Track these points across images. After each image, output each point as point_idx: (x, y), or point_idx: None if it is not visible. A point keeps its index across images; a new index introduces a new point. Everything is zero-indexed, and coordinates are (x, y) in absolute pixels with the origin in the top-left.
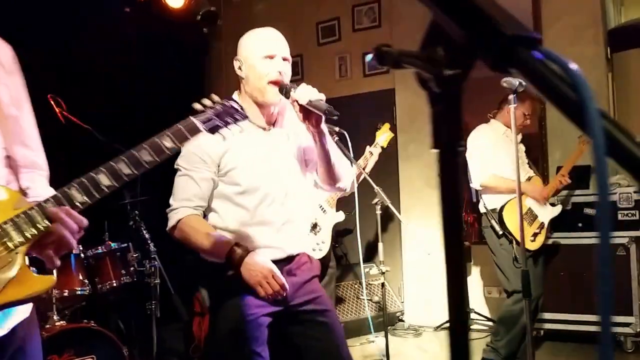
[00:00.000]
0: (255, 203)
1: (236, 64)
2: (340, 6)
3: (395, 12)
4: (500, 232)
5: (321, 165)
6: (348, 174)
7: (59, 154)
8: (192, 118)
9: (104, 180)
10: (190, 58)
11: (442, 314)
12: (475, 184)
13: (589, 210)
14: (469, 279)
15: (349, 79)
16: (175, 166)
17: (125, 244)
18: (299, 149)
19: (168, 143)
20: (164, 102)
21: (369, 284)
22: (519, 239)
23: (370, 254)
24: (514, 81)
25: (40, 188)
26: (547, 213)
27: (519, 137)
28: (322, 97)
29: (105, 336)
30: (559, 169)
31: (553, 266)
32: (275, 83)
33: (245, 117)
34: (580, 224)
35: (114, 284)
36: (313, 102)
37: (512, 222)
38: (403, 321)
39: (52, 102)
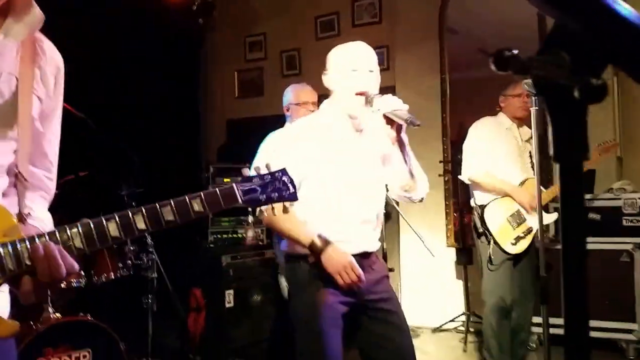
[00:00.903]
0: (342, 198)
1: (324, 77)
2: (340, 1)
3: (396, 9)
4: (480, 230)
5: (401, 174)
6: (424, 186)
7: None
8: (234, 185)
9: (113, 230)
10: (185, 48)
11: (440, 316)
12: (464, 177)
13: (593, 216)
14: (470, 282)
15: None
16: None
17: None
18: (382, 155)
19: (197, 206)
20: (158, 92)
21: None
22: (498, 240)
23: None
24: None
25: (40, 211)
26: (532, 217)
27: (528, 133)
28: (405, 107)
29: (102, 330)
30: None
31: (557, 272)
32: (360, 94)
33: (295, 198)
34: None
35: (111, 277)
36: (395, 111)
37: (494, 222)
38: None
39: None
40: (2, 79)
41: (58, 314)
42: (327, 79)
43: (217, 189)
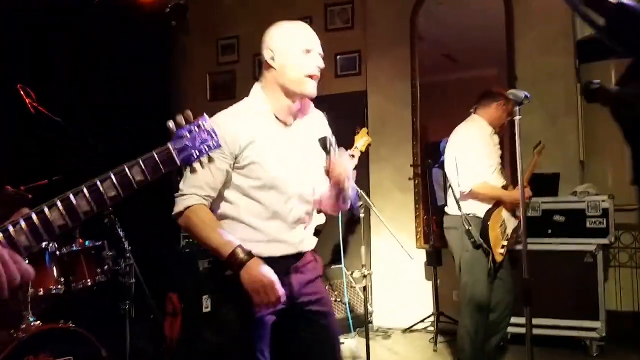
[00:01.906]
0: (272, 199)
1: (267, 54)
2: (312, 5)
3: (368, 14)
4: (479, 243)
5: (330, 199)
6: (352, 200)
7: (29, 144)
8: (169, 146)
9: (58, 219)
10: (158, 51)
11: (411, 316)
12: (464, 188)
13: (558, 218)
14: (439, 283)
15: (320, 79)
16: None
17: (100, 242)
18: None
19: (139, 176)
20: (130, 94)
21: (334, 284)
22: (495, 250)
23: (338, 256)
24: (519, 93)
25: None
26: (511, 224)
27: (497, 140)
28: (351, 168)
29: (83, 337)
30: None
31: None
32: (311, 77)
33: (220, 145)
34: (550, 231)
35: (89, 283)
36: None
37: (492, 235)
38: (372, 323)
39: (22, 92)
40: None
41: (39, 322)
42: (271, 56)
43: (155, 154)
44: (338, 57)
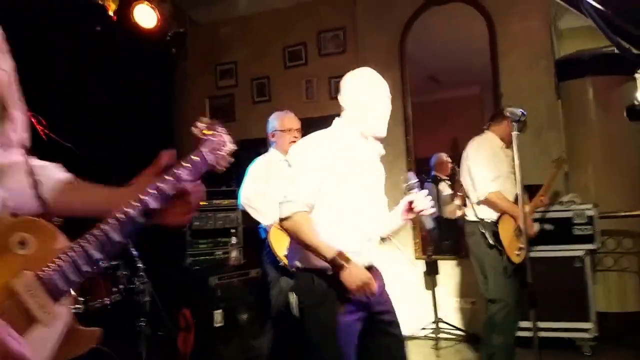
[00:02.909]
0: (357, 212)
1: (357, 97)
2: (306, 32)
3: (359, 40)
4: (492, 244)
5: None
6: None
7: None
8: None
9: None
10: (158, 76)
11: (411, 324)
12: (480, 194)
13: (547, 226)
14: (437, 290)
15: (315, 102)
16: (294, 158)
17: (116, 262)
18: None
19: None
20: (132, 118)
21: None
22: (509, 252)
23: None
24: (516, 111)
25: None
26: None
27: (511, 154)
28: (432, 211)
29: (103, 354)
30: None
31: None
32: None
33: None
34: (540, 239)
35: (106, 302)
36: (422, 212)
37: (505, 236)
38: None
39: (34, 120)
40: None
41: None
42: (356, 99)
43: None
44: (332, 80)
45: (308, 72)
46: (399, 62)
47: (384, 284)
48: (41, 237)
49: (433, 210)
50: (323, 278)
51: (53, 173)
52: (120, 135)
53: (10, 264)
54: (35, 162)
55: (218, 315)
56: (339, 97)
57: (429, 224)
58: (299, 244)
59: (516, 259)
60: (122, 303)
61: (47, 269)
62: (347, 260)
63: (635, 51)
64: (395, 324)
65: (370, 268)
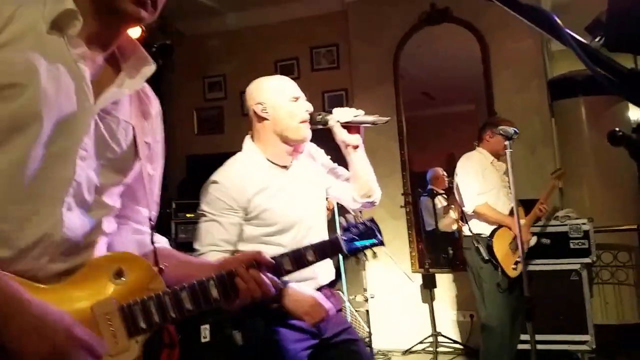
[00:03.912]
0: (289, 240)
1: (258, 107)
2: (298, 47)
3: (353, 55)
4: (486, 258)
5: (360, 179)
6: (376, 185)
7: None
8: (339, 237)
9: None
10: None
11: (409, 338)
12: (468, 208)
13: (544, 240)
14: (435, 304)
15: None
16: (199, 211)
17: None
18: (319, 181)
19: (310, 257)
20: None
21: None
22: (504, 266)
23: (336, 281)
24: (509, 129)
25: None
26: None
27: (503, 167)
28: (361, 112)
29: None
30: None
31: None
32: (304, 122)
33: (383, 244)
34: (537, 252)
35: None
36: (358, 117)
37: (500, 250)
38: (371, 346)
39: None
40: (120, 127)
41: None
42: (261, 109)
43: (324, 240)
44: (325, 94)
45: (300, 86)
46: (392, 78)
47: (338, 306)
48: (138, 274)
49: (359, 111)
50: (262, 319)
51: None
52: None
53: (102, 290)
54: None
55: (205, 331)
56: (248, 109)
57: (370, 117)
58: None
59: (512, 273)
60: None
61: (133, 303)
62: (284, 288)
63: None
64: (353, 340)
65: (321, 289)
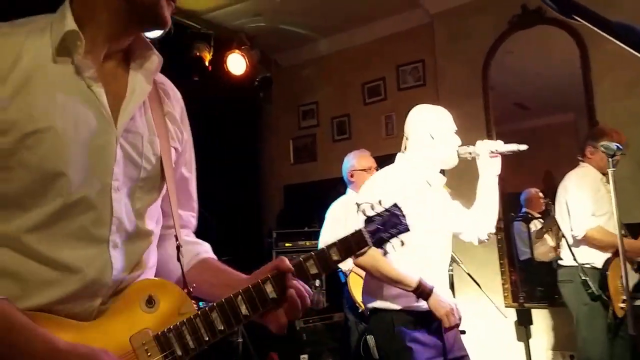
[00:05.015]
0: (434, 256)
1: (428, 132)
2: (385, 67)
3: (439, 70)
4: (597, 294)
5: (490, 210)
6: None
7: None
8: (362, 230)
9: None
10: (246, 121)
11: None
12: (578, 232)
13: None
14: (532, 342)
15: (396, 137)
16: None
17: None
18: (449, 206)
19: (335, 255)
20: (221, 161)
21: None
22: (616, 304)
23: None
24: (611, 145)
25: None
26: (633, 275)
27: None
28: (500, 142)
29: None
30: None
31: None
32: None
33: (408, 229)
34: None
35: None
36: (501, 147)
37: (613, 284)
38: None
39: None
40: (145, 145)
41: None
42: (430, 134)
43: (346, 235)
44: None
45: (387, 107)
46: (481, 91)
47: (458, 329)
48: (169, 300)
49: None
50: (401, 319)
51: (196, 249)
52: (212, 179)
53: (135, 320)
54: (190, 238)
55: None
56: (406, 132)
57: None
58: (379, 278)
59: (620, 313)
60: (215, 343)
61: (167, 331)
62: (432, 288)
63: None
64: None
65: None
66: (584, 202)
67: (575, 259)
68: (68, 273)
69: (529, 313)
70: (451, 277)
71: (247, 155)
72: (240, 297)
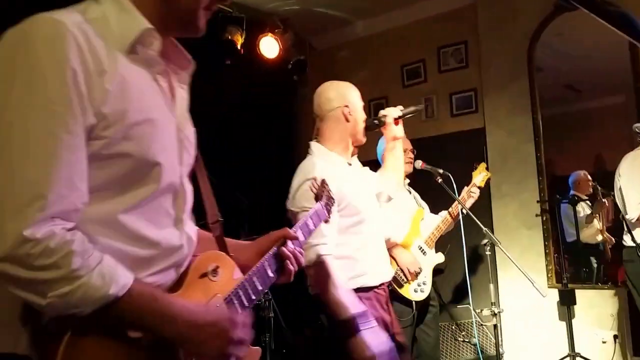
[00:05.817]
0: (368, 228)
1: (346, 110)
2: (425, 48)
3: (483, 52)
4: None
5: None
6: None
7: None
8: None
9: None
10: (280, 104)
11: (543, 357)
12: (632, 214)
13: None
14: (574, 322)
15: (436, 120)
16: (297, 208)
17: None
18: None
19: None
20: (258, 144)
21: (461, 324)
22: None
23: (463, 294)
24: None
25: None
26: None
27: None
28: (400, 107)
29: None
30: None
31: None
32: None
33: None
34: None
35: None
36: (405, 112)
37: None
38: None
39: None
40: (189, 132)
41: None
42: (348, 111)
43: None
44: (453, 96)
45: (427, 90)
46: (527, 72)
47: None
48: (226, 268)
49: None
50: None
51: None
52: (247, 160)
53: (207, 288)
54: None
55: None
56: (316, 113)
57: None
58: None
59: None
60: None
61: (230, 294)
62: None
63: None
64: (405, 348)
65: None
66: (635, 185)
67: (633, 240)
68: (162, 249)
69: (573, 293)
70: (493, 258)
71: (281, 138)
72: (266, 262)
